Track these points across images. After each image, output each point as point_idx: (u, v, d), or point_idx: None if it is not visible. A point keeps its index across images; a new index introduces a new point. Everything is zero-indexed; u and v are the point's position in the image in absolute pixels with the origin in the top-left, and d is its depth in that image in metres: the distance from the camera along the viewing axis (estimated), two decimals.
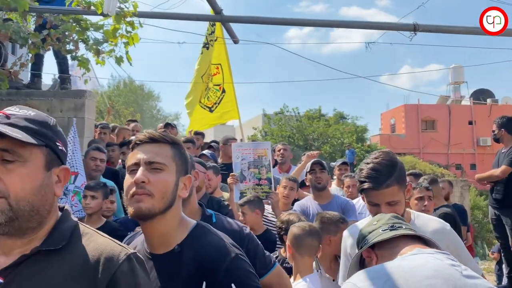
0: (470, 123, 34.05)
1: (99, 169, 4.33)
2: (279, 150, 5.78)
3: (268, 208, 4.16)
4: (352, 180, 5.10)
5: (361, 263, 1.60)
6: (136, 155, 1.38)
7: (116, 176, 4.75)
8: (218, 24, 6.98)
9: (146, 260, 1.40)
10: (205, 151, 5.21)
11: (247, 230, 2.01)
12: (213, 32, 7.30)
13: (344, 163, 6.19)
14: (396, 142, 31.91)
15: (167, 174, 1.36)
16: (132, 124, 6.85)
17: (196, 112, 7.46)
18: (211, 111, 7.48)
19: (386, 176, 1.86)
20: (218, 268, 1.31)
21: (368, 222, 1.66)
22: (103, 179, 4.42)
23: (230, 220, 2.03)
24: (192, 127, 7.36)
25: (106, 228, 3.39)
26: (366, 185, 1.89)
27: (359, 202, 4.33)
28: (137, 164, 1.36)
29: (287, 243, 2.77)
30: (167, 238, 1.38)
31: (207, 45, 7.41)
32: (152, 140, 1.40)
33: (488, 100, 35.62)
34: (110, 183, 4.34)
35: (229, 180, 4.16)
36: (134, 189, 1.32)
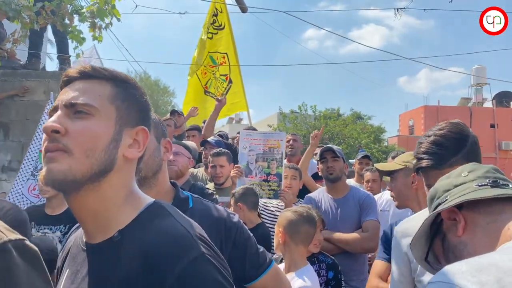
0: (492, 126, 33.20)
1: None
2: (288, 141, 5.28)
3: (271, 201, 3.69)
4: (373, 174, 4.59)
5: (434, 230, 1.11)
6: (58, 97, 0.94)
7: None
8: (224, 12, 6.71)
9: (79, 252, 0.98)
10: (210, 138, 4.75)
11: (236, 217, 1.54)
12: (215, 21, 7.00)
13: (365, 156, 5.55)
14: (414, 144, 30.32)
15: (97, 121, 0.91)
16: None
17: (204, 101, 7.14)
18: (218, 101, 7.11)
19: (451, 153, 1.50)
20: (169, 269, 0.84)
21: (453, 172, 1.16)
22: None
23: (213, 205, 1.56)
24: (203, 117, 7.00)
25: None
26: (424, 163, 1.54)
27: (382, 198, 3.81)
28: (56, 109, 0.92)
29: (279, 229, 2.45)
30: (104, 220, 0.92)
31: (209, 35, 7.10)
32: (83, 75, 0.95)
33: (511, 103, 34.64)
34: None
35: (232, 172, 3.72)
36: (46, 143, 0.88)
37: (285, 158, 5.39)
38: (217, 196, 3.31)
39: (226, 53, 7.00)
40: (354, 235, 3.16)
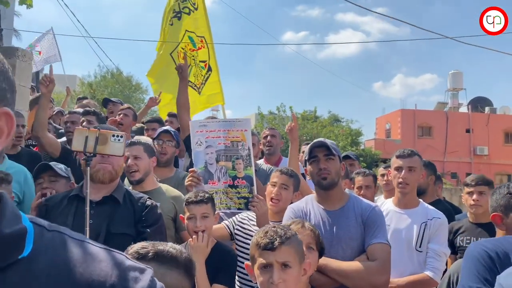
0: (468, 131, 33.39)
1: None
2: (266, 137, 4.45)
3: (247, 214, 2.84)
4: (366, 178, 3.78)
5: None
6: None
7: (35, 160, 3.46)
8: None
9: None
10: (167, 127, 3.87)
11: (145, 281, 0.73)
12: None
13: (347, 156, 4.72)
14: (391, 147, 30.83)
15: None
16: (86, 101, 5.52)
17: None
18: (199, 92, 6.13)
19: None
20: None
21: None
22: (9, 162, 3.11)
23: (93, 250, 0.77)
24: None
25: None
26: None
27: (382, 208, 2.95)
28: None
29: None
30: None
31: (178, 14, 6.08)
32: None
33: (486, 109, 35.00)
34: (19, 169, 3.04)
35: (186, 180, 2.85)
36: None
37: (261, 158, 4.58)
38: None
39: (203, 37, 6.05)
40: (356, 264, 2.24)
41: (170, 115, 5.51)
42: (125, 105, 4.92)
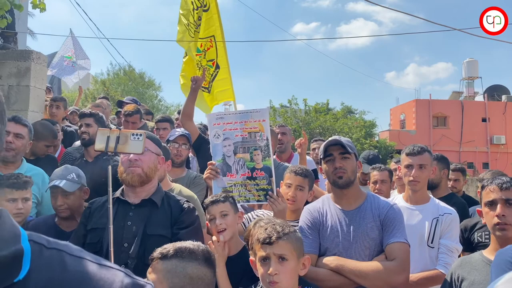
0: (484, 120, 32.86)
1: (11, 147, 3.09)
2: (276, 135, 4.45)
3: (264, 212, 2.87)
4: (382, 173, 3.79)
5: None
6: None
7: (53, 164, 3.54)
8: None
9: None
10: (182, 130, 3.91)
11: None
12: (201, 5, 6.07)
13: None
14: (406, 138, 30.56)
15: None
16: (99, 100, 5.59)
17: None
18: (208, 91, 6.17)
19: None
20: None
21: None
22: (27, 165, 3.19)
23: (93, 268, 0.76)
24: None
25: None
26: None
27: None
28: None
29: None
30: None
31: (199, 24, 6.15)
32: None
33: (503, 97, 34.32)
34: (37, 172, 3.13)
35: (205, 173, 2.86)
36: None
37: (273, 155, 4.59)
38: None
39: (213, 36, 6.09)
40: (375, 264, 2.21)
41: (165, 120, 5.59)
42: (131, 106, 4.94)
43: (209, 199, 2.55)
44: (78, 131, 3.93)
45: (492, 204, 2.08)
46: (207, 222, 2.56)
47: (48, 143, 3.87)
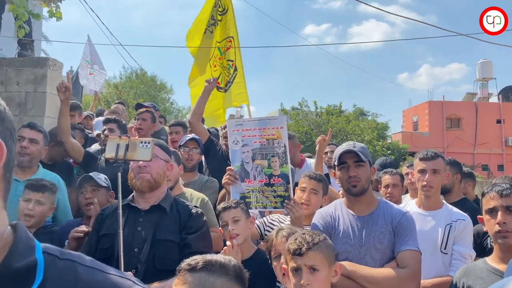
0: (499, 121, 32.47)
1: (26, 152, 3.15)
2: None
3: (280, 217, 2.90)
4: (394, 177, 3.78)
5: None
6: None
7: (68, 170, 3.61)
8: None
9: None
10: (193, 135, 3.96)
11: None
12: (218, 6, 6.14)
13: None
14: (419, 140, 30.31)
15: None
16: (114, 106, 5.66)
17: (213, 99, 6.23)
18: (225, 91, 6.22)
19: None
20: None
21: None
22: (43, 171, 3.26)
23: (105, 277, 0.81)
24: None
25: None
26: None
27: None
28: None
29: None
30: None
31: (215, 24, 6.21)
32: None
33: None
34: (52, 177, 3.20)
35: (224, 178, 2.89)
36: None
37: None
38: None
39: (232, 37, 6.16)
40: (387, 271, 2.22)
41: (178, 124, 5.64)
42: (142, 109, 5.00)
43: (221, 205, 2.60)
44: (101, 135, 4.02)
45: (492, 211, 2.08)
46: (220, 228, 2.60)
47: None
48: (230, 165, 2.90)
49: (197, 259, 1.46)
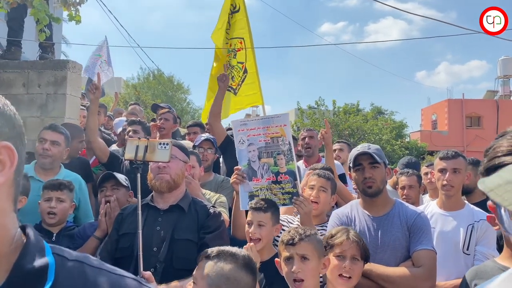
0: None
1: (48, 154, 3.20)
2: (303, 138, 4.44)
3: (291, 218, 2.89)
4: (410, 178, 3.74)
5: None
6: None
7: (84, 166, 3.67)
8: None
9: None
10: (207, 135, 3.98)
11: None
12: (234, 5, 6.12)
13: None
14: (438, 139, 29.86)
15: None
16: (131, 107, 5.73)
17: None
18: (235, 93, 6.21)
19: None
20: None
21: None
22: (65, 171, 3.32)
23: (118, 278, 0.84)
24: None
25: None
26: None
27: (426, 210, 2.93)
28: None
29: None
30: None
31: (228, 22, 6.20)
32: None
33: None
34: (74, 177, 3.25)
35: (232, 178, 2.91)
36: None
37: (301, 160, 4.60)
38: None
39: (243, 38, 6.14)
40: (402, 270, 2.26)
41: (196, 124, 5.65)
42: (165, 109, 5.05)
43: (253, 202, 2.60)
44: (126, 136, 4.09)
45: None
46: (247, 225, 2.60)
47: (81, 139, 4.00)
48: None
49: (213, 249, 1.73)
